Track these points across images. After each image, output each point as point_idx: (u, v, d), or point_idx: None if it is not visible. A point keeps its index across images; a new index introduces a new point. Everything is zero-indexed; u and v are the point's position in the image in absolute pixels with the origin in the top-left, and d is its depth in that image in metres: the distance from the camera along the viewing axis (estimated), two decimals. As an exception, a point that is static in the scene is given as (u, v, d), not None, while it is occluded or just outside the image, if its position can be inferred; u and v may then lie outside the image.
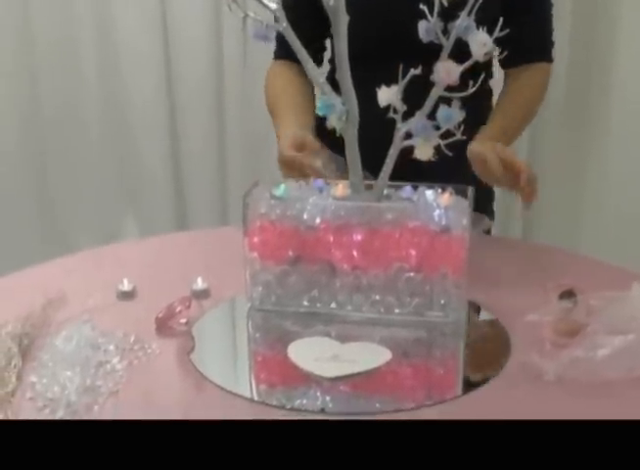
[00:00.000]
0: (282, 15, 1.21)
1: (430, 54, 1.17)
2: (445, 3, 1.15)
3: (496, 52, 1.25)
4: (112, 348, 1.20)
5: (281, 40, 1.42)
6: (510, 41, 1.20)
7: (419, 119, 1.21)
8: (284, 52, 1.67)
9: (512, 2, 1.56)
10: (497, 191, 1.86)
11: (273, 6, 1.21)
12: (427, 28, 1.18)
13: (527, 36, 1.62)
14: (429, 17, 1.16)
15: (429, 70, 1.18)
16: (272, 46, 1.69)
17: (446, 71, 1.18)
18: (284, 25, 1.22)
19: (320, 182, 1.32)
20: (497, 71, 1.73)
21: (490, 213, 1.82)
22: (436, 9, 1.16)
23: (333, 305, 1.29)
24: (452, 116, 1.19)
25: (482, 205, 1.72)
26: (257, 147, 2.90)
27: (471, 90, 1.17)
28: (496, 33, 1.16)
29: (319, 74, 1.27)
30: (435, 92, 1.21)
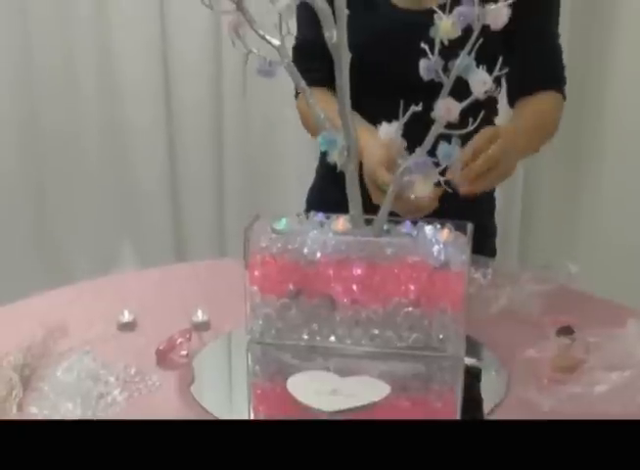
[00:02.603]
0: (285, 51, 1.23)
1: (431, 91, 1.19)
2: (446, 42, 1.16)
3: (503, 89, 1.25)
4: (112, 379, 1.21)
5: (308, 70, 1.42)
6: (515, 74, 1.20)
7: (419, 156, 1.23)
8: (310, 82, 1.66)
9: (519, 33, 1.52)
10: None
11: (276, 42, 1.22)
12: (427, 66, 1.20)
13: (532, 65, 1.61)
14: (429, 55, 1.18)
15: (429, 106, 1.19)
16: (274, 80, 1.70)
17: (446, 109, 1.19)
18: (286, 62, 1.24)
19: (321, 216, 1.33)
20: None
21: (492, 251, 1.83)
22: (437, 47, 1.17)
23: (332, 339, 1.30)
24: (452, 153, 1.21)
25: (483, 241, 1.72)
26: (256, 176, 2.92)
27: (471, 127, 1.19)
28: (496, 72, 1.17)
29: (320, 110, 1.29)
30: (436, 129, 1.22)
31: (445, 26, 1.16)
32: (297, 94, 1.72)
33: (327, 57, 1.34)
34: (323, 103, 1.32)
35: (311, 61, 1.29)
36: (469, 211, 1.35)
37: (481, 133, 1.35)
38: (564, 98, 1.68)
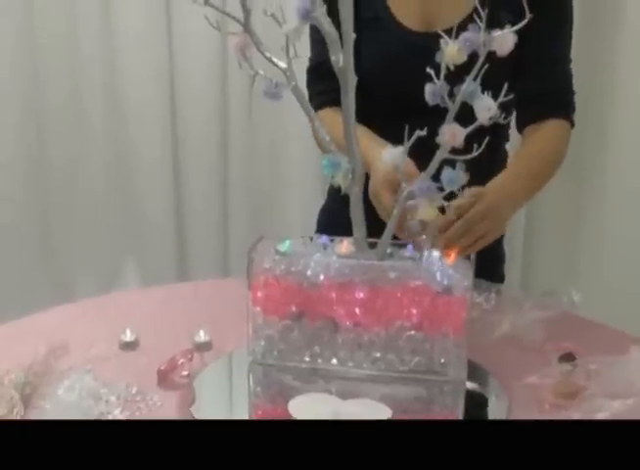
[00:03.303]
0: (292, 74, 1.23)
1: (436, 115, 1.19)
2: (452, 67, 1.17)
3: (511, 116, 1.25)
4: (113, 399, 1.21)
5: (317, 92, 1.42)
6: (523, 100, 1.19)
7: (423, 181, 1.23)
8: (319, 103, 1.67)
9: (530, 57, 1.54)
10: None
11: (283, 65, 1.23)
12: (433, 91, 1.20)
13: (541, 91, 1.60)
14: (435, 80, 1.19)
15: (434, 131, 1.20)
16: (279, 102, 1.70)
17: (451, 134, 1.20)
18: (293, 84, 1.24)
19: (325, 239, 1.33)
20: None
21: (501, 277, 1.83)
22: (443, 72, 1.18)
23: (334, 362, 1.30)
24: (456, 178, 1.21)
25: (493, 268, 1.72)
26: (261, 197, 2.93)
27: (475, 153, 1.19)
28: (501, 98, 1.18)
29: (326, 133, 1.30)
30: (440, 154, 1.23)
31: (451, 52, 1.16)
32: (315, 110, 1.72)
33: (335, 77, 1.35)
34: (337, 124, 1.32)
35: (326, 82, 1.29)
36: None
37: (465, 194, 1.33)
38: (572, 125, 1.66)
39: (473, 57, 1.17)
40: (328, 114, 1.59)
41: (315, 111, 1.69)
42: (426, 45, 1.53)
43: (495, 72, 1.16)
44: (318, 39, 1.26)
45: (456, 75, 1.18)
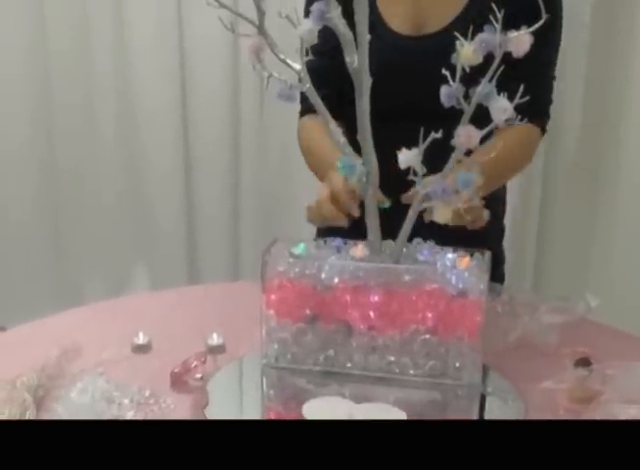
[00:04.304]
0: (306, 75, 1.23)
1: (450, 117, 1.19)
2: (467, 69, 1.16)
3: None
4: (126, 401, 1.21)
5: (306, 96, 1.42)
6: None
7: (439, 183, 1.22)
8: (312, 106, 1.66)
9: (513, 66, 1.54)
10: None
11: (297, 67, 1.22)
12: (449, 93, 1.19)
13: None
14: (450, 82, 1.18)
15: (449, 133, 1.19)
16: (291, 105, 1.70)
17: (467, 136, 1.19)
18: (307, 86, 1.24)
19: (339, 241, 1.32)
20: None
21: (501, 277, 1.82)
22: (459, 74, 1.17)
23: (348, 365, 1.29)
24: (471, 179, 1.20)
25: (493, 268, 1.71)
26: (272, 199, 2.92)
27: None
28: (517, 100, 1.17)
29: (340, 135, 1.29)
30: (456, 156, 1.22)
31: (467, 53, 1.15)
32: (301, 115, 1.73)
33: (330, 85, 1.35)
34: (317, 133, 1.30)
35: (317, 88, 1.29)
36: (478, 239, 1.35)
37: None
38: (543, 132, 1.65)
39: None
40: (313, 120, 1.60)
41: (300, 117, 1.71)
42: (417, 49, 1.52)
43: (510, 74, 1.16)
44: (314, 45, 1.24)
45: (470, 79, 1.17)
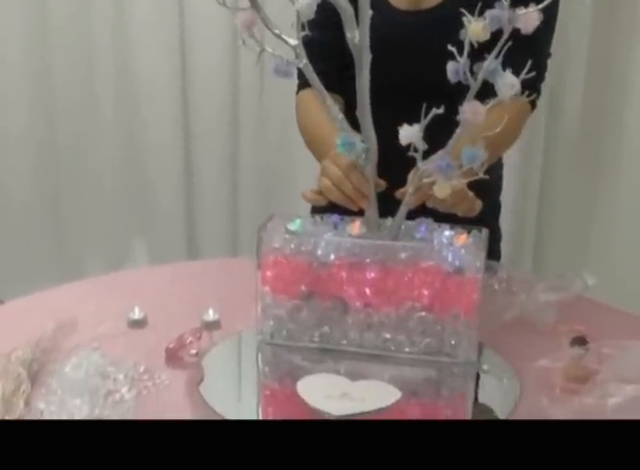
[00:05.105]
0: (302, 51, 1.22)
1: (450, 93, 1.18)
2: (475, 44, 1.15)
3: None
4: (121, 377, 1.20)
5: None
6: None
7: (442, 158, 1.21)
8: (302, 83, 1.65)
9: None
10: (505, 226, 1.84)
11: (293, 42, 1.21)
12: (455, 69, 1.18)
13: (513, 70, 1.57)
14: (457, 57, 1.17)
15: (450, 109, 1.18)
16: (290, 81, 1.68)
17: (472, 112, 1.18)
18: (304, 62, 1.22)
19: (336, 218, 1.32)
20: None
21: (496, 253, 1.81)
22: (466, 50, 1.15)
23: (343, 342, 1.29)
24: (477, 155, 1.19)
25: (490, 245, 1.71)
26: (270, 176, 2.92)
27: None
28: (523, 75, 1.16)
29: (338, 111, 1.28)
30: (460, 132, 1.21)
31: (476, 29, 1.14)
32: (298, 90, 1.71)
33: (330, 59, 1.34)
34: (314, 109, 1.27)
35: (313, 63, 1.27)
36: (474, 216, 1.34)
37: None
38: (533, 108, 1.62)
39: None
40: (309, 94, 1.60)
41: (297, 91, 1.69)
42: (415, 24, 1.50)
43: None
44: (316, 19, 1.23)
45: (475, 55, 1.15)
